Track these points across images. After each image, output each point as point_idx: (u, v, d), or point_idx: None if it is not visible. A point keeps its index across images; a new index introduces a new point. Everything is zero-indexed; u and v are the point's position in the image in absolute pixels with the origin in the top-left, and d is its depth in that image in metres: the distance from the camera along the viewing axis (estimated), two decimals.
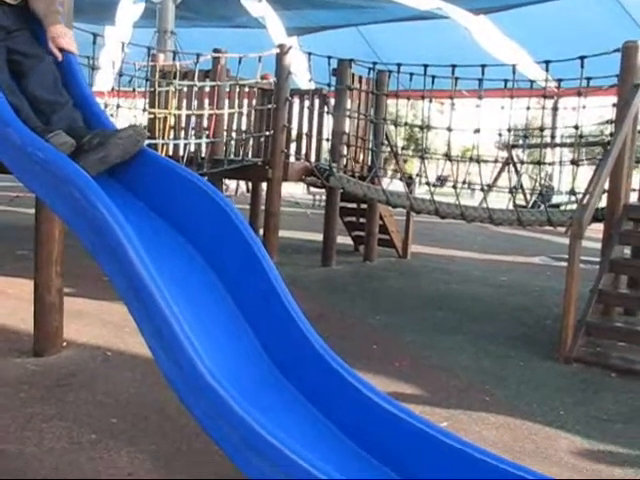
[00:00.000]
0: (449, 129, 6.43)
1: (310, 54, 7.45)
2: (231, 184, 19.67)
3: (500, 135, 6.69)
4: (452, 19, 13.86)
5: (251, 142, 7.99)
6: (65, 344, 4.26)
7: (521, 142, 16.20)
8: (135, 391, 3.63)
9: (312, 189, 15.60)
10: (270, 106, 7.45)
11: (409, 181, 7.99)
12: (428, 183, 6.65)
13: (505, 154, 15.05)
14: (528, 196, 14.13)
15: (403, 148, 9.91)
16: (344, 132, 7.67)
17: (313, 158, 7.99)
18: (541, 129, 6.84)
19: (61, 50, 3.17)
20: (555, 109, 10.96)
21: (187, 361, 2.11)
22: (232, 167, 7.24)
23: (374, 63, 7.52)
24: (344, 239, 9.49)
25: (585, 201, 4.88)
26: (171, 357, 2.18)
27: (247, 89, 7.91)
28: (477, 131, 6.37)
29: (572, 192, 5.97)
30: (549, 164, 6.85)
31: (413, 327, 5.51)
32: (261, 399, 2.39)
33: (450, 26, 13.93)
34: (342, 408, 2.48)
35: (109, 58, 7.08)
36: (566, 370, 4.63)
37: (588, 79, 5.95)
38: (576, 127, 6.02)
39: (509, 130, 6.69)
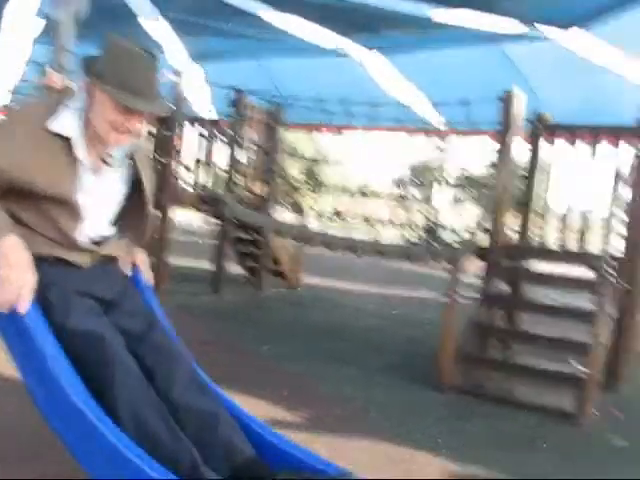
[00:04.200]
0: (336, 162, 6.62)
1: (209, 83, 7.53)
2: None
3: (383, 172, 6.91)
4: (351, 57, 14.16)
5: None
6: None
7: (415, 180, 16.78)
8: (16, 415, 3.49)
9: (211, 219, 15.51)
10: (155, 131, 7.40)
11: (301, 213, 8.12)
12: (320, 215, 6.81)
13: (400, 191, 15.46)
14: (420, 232, 14.57)
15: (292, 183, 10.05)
16: (239, 161, 7.74)
17: (210, 186, 8.01)
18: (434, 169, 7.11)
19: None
20: (443, 150, 11.38)
21: (55, 385, 2.05)
22: None
23: (273, 95, 7.65)
24: (238, 269, 9.53)
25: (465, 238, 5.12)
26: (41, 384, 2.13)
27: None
28: (364, 165, 6.57)
29: (453, 230, 6.26)
30: (424, 201, 7.14)
31: (301, 357, 5.57)
32: None
33: (350, 64, 14.23)
34: None
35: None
36: (445, 399, 4.81)
37: (474, 123, 6.32)
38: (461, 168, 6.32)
39: (397, 169, 6.94)
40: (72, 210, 2.23)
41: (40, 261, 2.15)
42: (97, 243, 2.36)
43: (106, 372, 2.06)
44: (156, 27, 14.73)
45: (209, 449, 2.09)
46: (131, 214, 2.45)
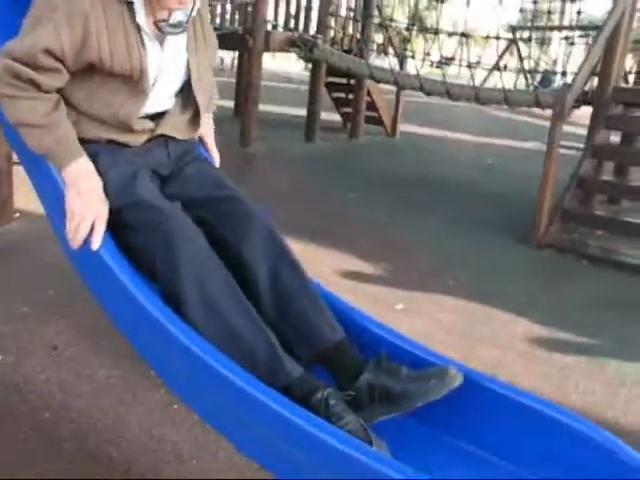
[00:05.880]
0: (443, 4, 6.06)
1: None
2: (226, 58, 19.04)
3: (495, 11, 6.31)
4: None
5: (228, 8, 7.55)
6: (17, 215, 4.09)
7: (527, 25, 15.57)
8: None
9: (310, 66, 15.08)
10: None
11: (401, 56, 7.64)
12: (414, 57, 6.36)
13: (510, 36, 14.42)
14: (529, 79, 13.65)
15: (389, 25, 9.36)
16: (331, 2, 7.25)
17: (301, 29, 7.59)
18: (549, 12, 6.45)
19: None
20: None
21: (137, 307, 1.73)
22: None
23: None
24: (334, 115, 9.27)
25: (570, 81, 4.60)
26: None
27: None
28: (472, 9, 6.03)
29: (564, 73, 5.66)
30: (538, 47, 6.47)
31: (387, 206, 5.35)
32: None
33: None
34: None
35: None
36: (538, 256, 4.52)
37: None
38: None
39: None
40: (138, 86, 1.83)
41: (86, 143, 1.84)
42: (154, 117, 1.94)
43: (170, 252, 1.71)
44: None
45: (289, 328, 1.79)
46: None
